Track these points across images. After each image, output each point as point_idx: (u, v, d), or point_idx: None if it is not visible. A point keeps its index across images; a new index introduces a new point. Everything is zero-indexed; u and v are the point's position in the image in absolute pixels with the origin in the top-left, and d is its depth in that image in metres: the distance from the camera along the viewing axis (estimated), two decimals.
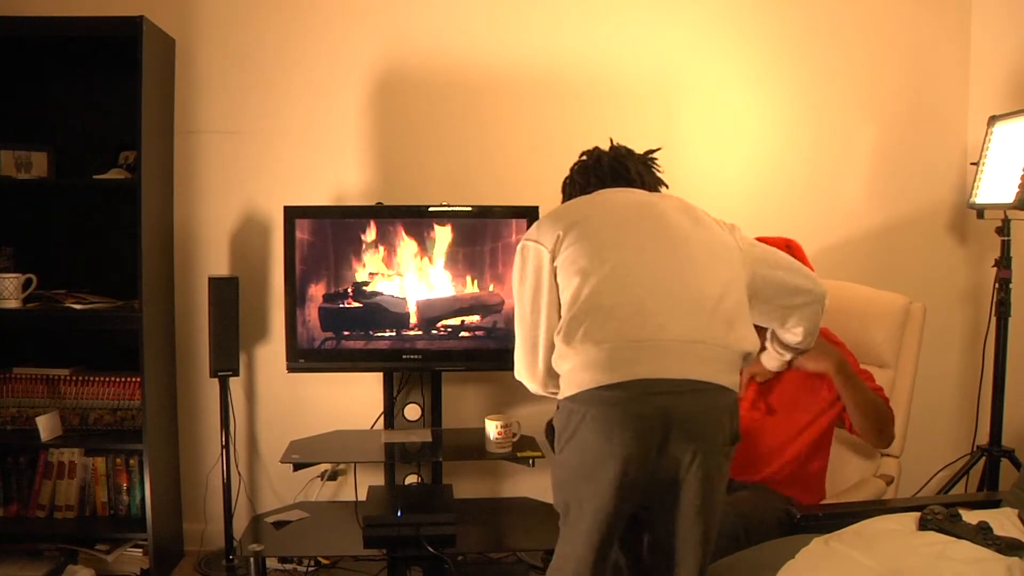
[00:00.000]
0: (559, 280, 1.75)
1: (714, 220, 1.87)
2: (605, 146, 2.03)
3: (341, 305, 2.75)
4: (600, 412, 1.62)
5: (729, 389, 1.67)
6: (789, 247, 2.27)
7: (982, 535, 1.69)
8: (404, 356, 2.79)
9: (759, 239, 2.29)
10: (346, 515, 2.73)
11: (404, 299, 2.78)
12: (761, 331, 2.02)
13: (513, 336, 1.85)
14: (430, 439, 2.79)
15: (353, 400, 2.99)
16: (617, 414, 1.60)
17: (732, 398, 1.68)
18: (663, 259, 1.72)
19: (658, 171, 2.02)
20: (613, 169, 1.96)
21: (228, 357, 2.81)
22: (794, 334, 2.01)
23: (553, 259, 1.76)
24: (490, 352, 2.82)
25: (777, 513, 2.06)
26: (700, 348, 1.64)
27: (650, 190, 1.97)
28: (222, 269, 2.99)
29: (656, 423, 1.60)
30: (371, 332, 2.78)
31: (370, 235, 2.75)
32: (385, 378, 2.89)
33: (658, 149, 2.04)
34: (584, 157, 2.03)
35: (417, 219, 2.76)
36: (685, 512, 1.67)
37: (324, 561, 2.81)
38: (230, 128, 2.96)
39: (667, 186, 2.02)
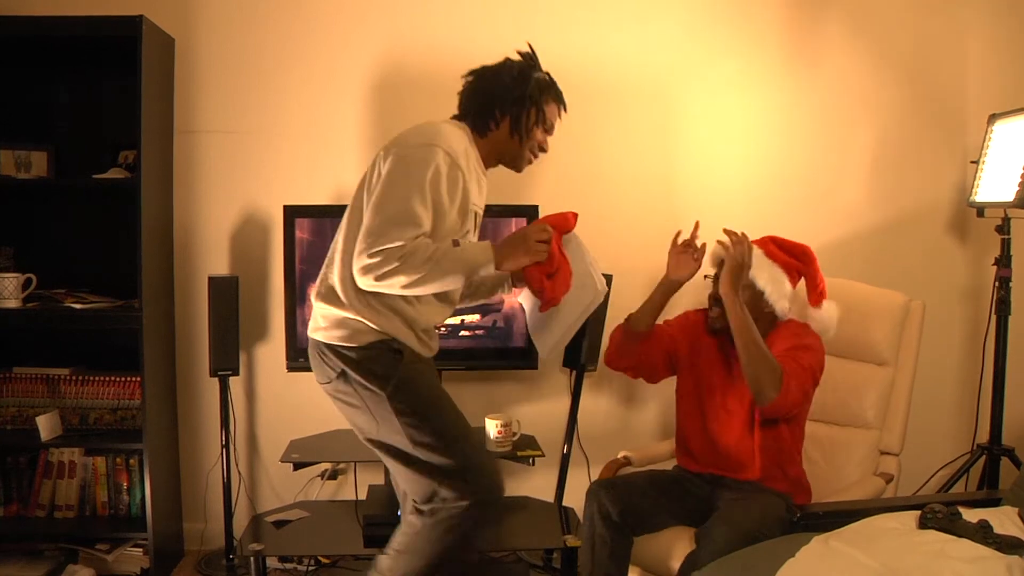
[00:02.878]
0: None
1: (412, 143, 1.91)
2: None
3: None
4: None
5: (317, 339, 1.98)
6: (805, 254, 2.28)
7: (982, 533, 1.69)
8: None
9: (774, 238, 2.30)
10: (346, 514, 2.74)
11: None
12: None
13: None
14: None
15: None
16: None
17: (319, 344, 1.97)
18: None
19: (474, 88, 2.06)
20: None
21: (228, 357, 2.80)
22: None
23: None
24: (490, 351, 2.81)
25: (779, 518, 2.05)
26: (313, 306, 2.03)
27: (466, 118, 2.06)
28: (222, 269, 2.99)
29: None
30: None
31: None
32: None
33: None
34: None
35: None
36: None
37: (324, 560, 2.81)
38: (230, 128, 2.96)
39: (481, 112, 2.04)
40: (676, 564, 2.07)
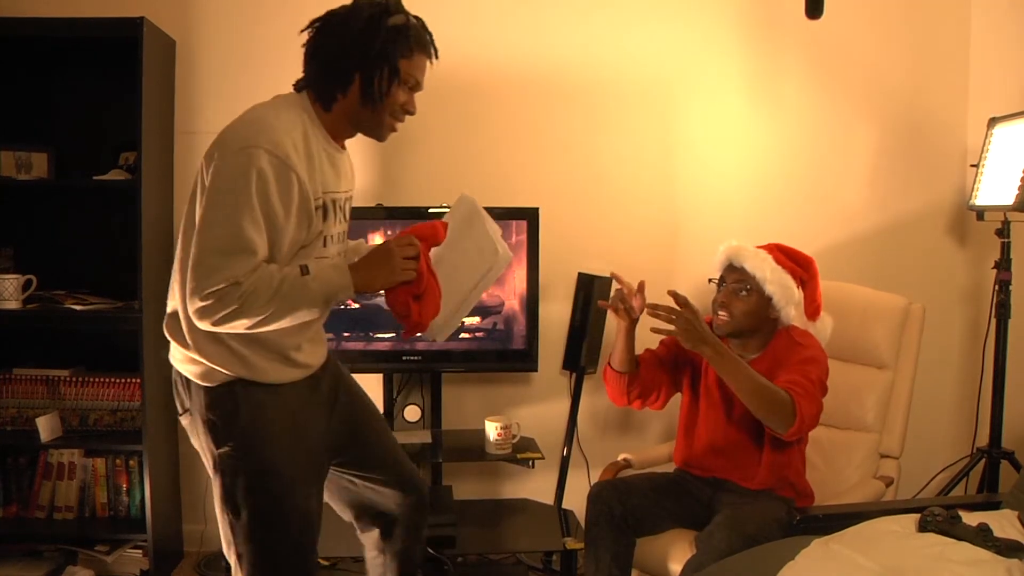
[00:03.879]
0: None
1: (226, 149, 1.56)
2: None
3: (341, 306, 2.75)
4: None
5: (175, 367, 1.71)
6: (810, 265, 2.26)
7: (982, 537, 1.69)
8: (404, 357, 2.79)
9: (780, 246, 2.28)
10: None
11: None
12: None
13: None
14: (430, 440, 2.79)
15: None
16: None
17: (177, 372, 1.70)
18: None
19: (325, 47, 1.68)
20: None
21: None
22: None
23: None
24: (490, 353, 2.82)
25: (779, 521, 2.05)
26: None
27: (309, 86, 1.72)
28: None
29: None
30: (371, 333, 2.77)
31: (369, 236, 2.75)
32: (385, 379, 2.89)
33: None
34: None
35: (417, 220, 2.75)
36: None
37: (324, 562, 2.80)
38: None
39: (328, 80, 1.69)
40: (676, 567, 2.07)
